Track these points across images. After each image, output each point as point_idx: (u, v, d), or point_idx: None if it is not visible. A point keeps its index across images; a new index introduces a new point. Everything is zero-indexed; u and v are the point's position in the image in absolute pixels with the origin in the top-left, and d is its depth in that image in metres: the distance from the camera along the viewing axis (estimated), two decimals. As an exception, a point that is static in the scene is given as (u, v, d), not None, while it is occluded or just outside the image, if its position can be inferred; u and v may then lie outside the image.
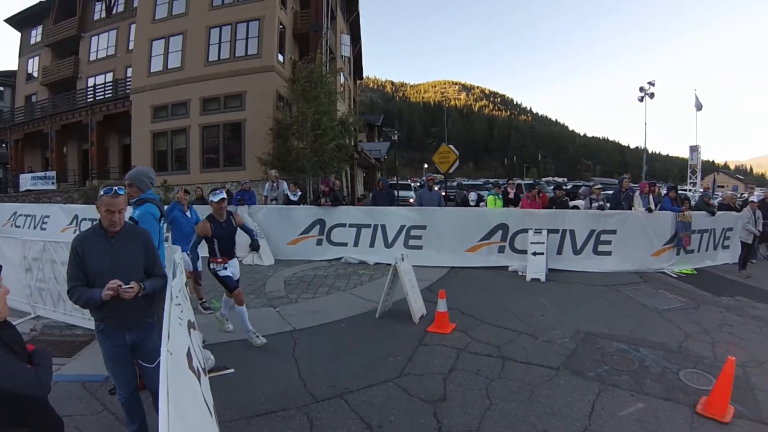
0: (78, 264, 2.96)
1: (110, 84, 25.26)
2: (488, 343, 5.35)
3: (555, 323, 6.12)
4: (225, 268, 5.48)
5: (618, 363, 4.95)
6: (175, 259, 4.07)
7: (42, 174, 25.35)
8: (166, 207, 6.11)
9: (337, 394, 4.13)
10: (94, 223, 3.16)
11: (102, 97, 24.91)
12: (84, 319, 5.41)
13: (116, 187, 3.00)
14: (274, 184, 11.30)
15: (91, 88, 25.55)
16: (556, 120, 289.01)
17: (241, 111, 21.46)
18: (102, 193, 2.97)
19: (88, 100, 25.01)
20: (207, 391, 3.13)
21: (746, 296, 7.99)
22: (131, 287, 2.89)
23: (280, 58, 22.33)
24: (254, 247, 5.98)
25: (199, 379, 3.03)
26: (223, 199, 5.39)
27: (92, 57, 26.60)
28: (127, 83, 23.88)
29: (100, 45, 26.36)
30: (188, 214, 7.23)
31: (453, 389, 4.23)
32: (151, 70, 22.69)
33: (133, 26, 23.98)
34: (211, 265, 5.48)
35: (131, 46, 24.13)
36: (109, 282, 2.83)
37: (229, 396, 4.03)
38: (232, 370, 4.58)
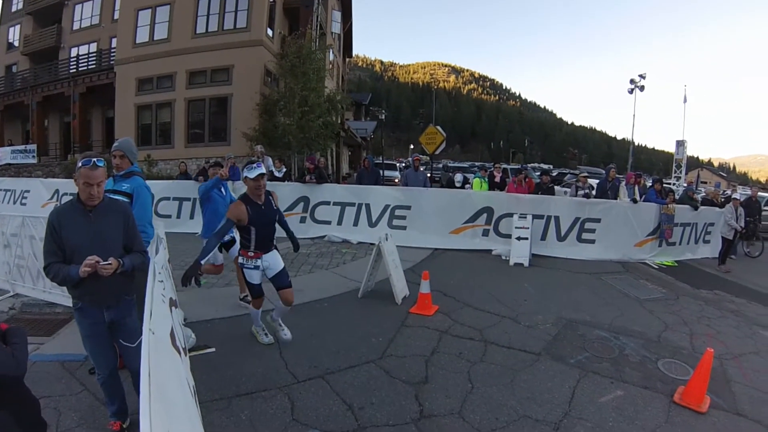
0: (55, 239, 2.83)
1: (94, 54, 24.43)
2: (471, 327, 5.34)
3: (537, 309, 6.13)
4: (256, 267, 4.44)
5: (598, 350, 4.98)
6: (159, 234, 3.97)
7: (22, 147, 24.48)
8: (204, 184, 6.09)
9: (319, 374, 4.10)
10: (72, 197, 3.00)
11: (85, 68, 24.12)
12: (64, 297, 5.20)
13: (95, 159, 2.85)
14: (260, 160, 11.08)
15: (74, 59, 24.71)
16: (544, 107, 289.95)
17: (228, 85, 21.06)
18: (80, 164, 2.82)
19: (71, 71, 24.24)
20: (187, 370, 3.05)
21: (725, 291, 8.11)
22: (109, 263, 2.78)
23: (269, 32, 21.89)
24: (296, 248, 5.23)
25: (182, 358, 2.96)
26: (262, 174, 4.29)
27: (75, 26, 25.63)
28: (112, 54, 23.10)
29: (84, 13, 25.36)
30: (223, 191, 5.96)
31: (435, 372, 4.22)
32: (137, 41, 22.03)
33: (119, -5, 23.24)
34: (240, 259, 4.53)
35: (116, 16, 23.23)
36: (87, 258, 2.72)
37: (210, 375, 3.97)
38: (213, 349, 4.52)
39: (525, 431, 3.41)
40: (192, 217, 10.51)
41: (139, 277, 3.07)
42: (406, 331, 5.18)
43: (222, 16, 21.20)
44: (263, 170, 4.33)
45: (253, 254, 4.40)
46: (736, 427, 3.69)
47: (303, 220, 10.21)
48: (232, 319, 5.38)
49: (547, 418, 3.57)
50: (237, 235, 4.87)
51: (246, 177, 4.27)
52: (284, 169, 11.23)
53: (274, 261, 4.57)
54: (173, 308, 3.51)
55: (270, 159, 11.35)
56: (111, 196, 3.38)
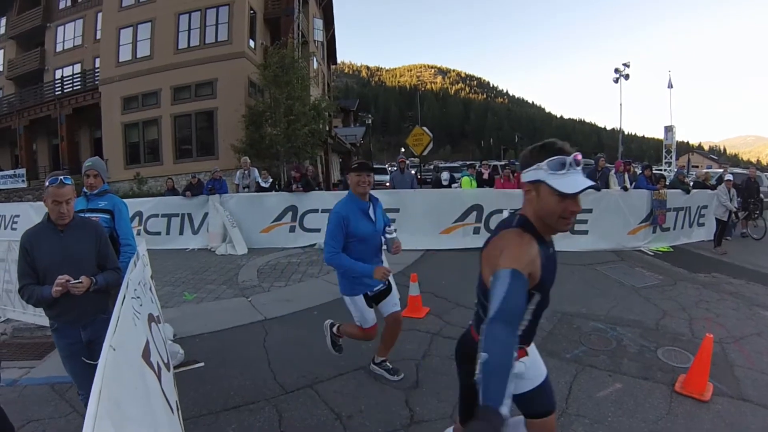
0: (27, 261, 2.80)
1: (78, 75, 24.48)
2: (463, 327, 5.08)
3: (530, 304, 5.99)
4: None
5: (595, 343, 4.87)
6: (140, 251, 3.88)
7: (11, 172, 24.39)
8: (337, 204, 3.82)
9: (307, 384, 3.99)
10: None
11: (70, 89, 24.17)
12: (53, 320, 5.17)
13: (62, 177, 2.85)
14: (246, 172, 11.09)
15: (59, 81, 24.75)
16: (533, 102, 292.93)
17: (213, 99, 21.14)
18: (47, 184, 2.82)
19: (56, 93, 24.28)
20: (169, 387, 2.95)
21: (722, 273, 8.04)
22: (80, 282, 2.73)
23: (251, 43, 21.98)
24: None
25: (159, 374, 2.85)
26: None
27: (59, 48, 25.70)
28: (96, 74, 23.19)
29: (67, 35, 25.44)
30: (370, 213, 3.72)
31: (426, 375, 4.11)
32: (120, 60, 22.11)
33: (99, 14, 23.21)
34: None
35: (98, 35, 23.33)
36: (57, 278, 2.68)
37: (199, 390, 3.88)
38: (202, 364, 4.43)
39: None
40: (181, 233, 10.46)
41: (116, 294, 3.02)
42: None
43: (203, 30, 21.26)
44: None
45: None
46: (741, 414, 3.57)
47: (292, 229, 10.12)
48: (221, 332, 5.28)
49: (542, 417, 3.47)
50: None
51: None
52: (270, 180, 11.17)
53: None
54: (153, 324, 3.41)
55: (256, 170, 11.28)
56: (88, 215, 3.44)
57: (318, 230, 9.97)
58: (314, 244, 9.85)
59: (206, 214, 10.20)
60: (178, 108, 21.46)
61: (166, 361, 3.41)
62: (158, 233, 10.42)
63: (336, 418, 3.47)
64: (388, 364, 4.12)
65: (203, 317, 5.71)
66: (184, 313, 5.87)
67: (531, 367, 2.55)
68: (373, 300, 3.81)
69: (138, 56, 21.81)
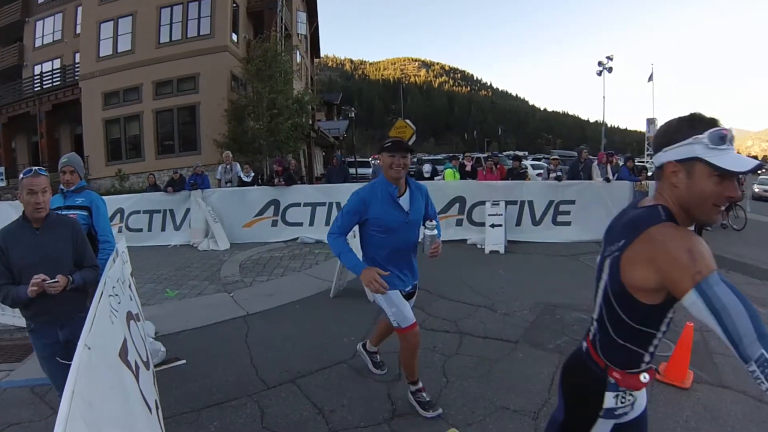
0: (2, 261, 2.72)
1: (58, 71, 24.02)
2: (445, 319, 5.22)
3: (514, 295, 6.03)
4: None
5: (578, 333, 4.86)
6: (119, 248, 3.81)
7: (-10, 171, 24.02)
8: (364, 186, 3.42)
9: (290, 379, 3.94)
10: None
11: (50, 85, 23.77)
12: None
13: (36, 168, 2.80)
14: (228, 166, 10.98)
15: (38, 77, 24.29)
16: (516, 95, 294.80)
17: (195, 94, 20.92)
18: (21, 176, 2.76)
19: (36, 89, 23.83)
20: (148, 386, 2.90)
21: (702, 262, 8.11)
22: (56, 281, 2.67)
23: (234, 37, 21.75)
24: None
25: (137, 373, 2.81)
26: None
27: (38, 43, 25.20)
28: (76, 69, 22.79)
29: (46, 30, 24.94)
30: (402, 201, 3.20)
31: None
32: (100, 55, 21.76)
33: (79, 9, 22.75)
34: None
35: (79, 30, 22.91)
36: (33, 277, 2.61)
37: (181, 388, 3.82)
38: (183, 361, 4.35)
39: (502, 423, 3.28)
40: (163, 229, 10.32)
41: (94, 293, 2.96)
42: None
43: (185, 24, 21.00)
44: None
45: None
46: (721, 400, 3.61)
47: (275, 223, 10.06)
48: (203, 329, 5.20)
49: (525, 408, 3.46)
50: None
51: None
52: (252, 174, 11.07)
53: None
54: (132, 322, 3.36)
55: (238, 165, 11.18)
56: (66, 212, 3.36)
57: (300, 224, 9.99)
58: (296, 238, 9.83)
59: (188, 210, 10.09)
60: (159, 103, 21.22)
61: (145, 359, 3.36)
62: (140, 230, 10.28)
63: (318, 413, 3.44)
64: (378, 356, 4.02)
65: (185, 314, 5.63)
66: (165, 310, 5.80)
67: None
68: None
69: (119, 51, 21.49)
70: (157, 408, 2.79)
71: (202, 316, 5.51)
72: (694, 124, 1.42)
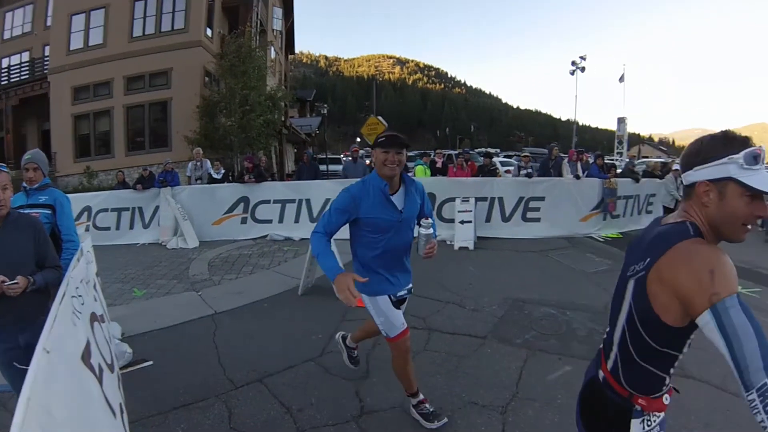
0: None
1: (26, 64, 23.23)
2: (413, 315, 5.19)
3: (483, 291, 6.08)
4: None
5: (546, 327, 4.97)
6: (84, 247, 3.73)
7: (-47, 168, 23.13)
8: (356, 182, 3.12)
9: (257, 378, 3.91)
10: None
11: (18, 78, 22.93)
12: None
13: None
14: (198, 163, 10.84)
15: (5, 70, 23.46)
16: (490, 93, 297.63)
17: (167, 89, 20.55)
18: None
19: (2, 82, 22.99)
20: (112, 389, 2.84)
21: (668, 257, 8.32)
22: (16, 282, 2.56)
23: (208, 32, 21.41)
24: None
25: (100, 377, 2.75)
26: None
27: (6, 35, 24.31)
28: (45, 63, 22.06)
29: (15, 21, 24.09)
30: (395, 198, 2.99)
31: (376, 365, 4.09)
32: (71, 48, 21.09)
33: (51, 0, 22.10)
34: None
35: (49, 22, 22.19)
36: None
37: (147, 390, 3.75)
38: (150, 362, 4.27)
39: (471, 418, 3.32)
40: (132, 227, 10.12)
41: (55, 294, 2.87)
42: (346, 325, 5.00)
43: (159, 17, 20.60)
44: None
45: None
46: (684, 390, 3.63)
47: (244, 221, 9.98)
48: (171, 328, 5.12)
49: (494, 403, 3.49)
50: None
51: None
52: (223, 171, 10.95)
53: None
54: (96, 324, 3.28)
55: (208, 162, 11.04)
56: (29, 211, 3.25)
57: (270, 221, 9.94)
58: (266, 236, 9.78)
59: (157, 208, 9.92)
60: (131, 98, 20.76)
61: (110, 362, 3.28)
62: (108, 228, 10.07)
63: (286, 412, 3.41)
64: (356, 352, 3.84)
65: (153, 314, 5.53)
66: (133, 310, 5.70)
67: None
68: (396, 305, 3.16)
69: (90, 44, 20.89)
70: (121, 412, 2.73)
71: (170, 316, 5.42)
72: (727, 144, 1.39)
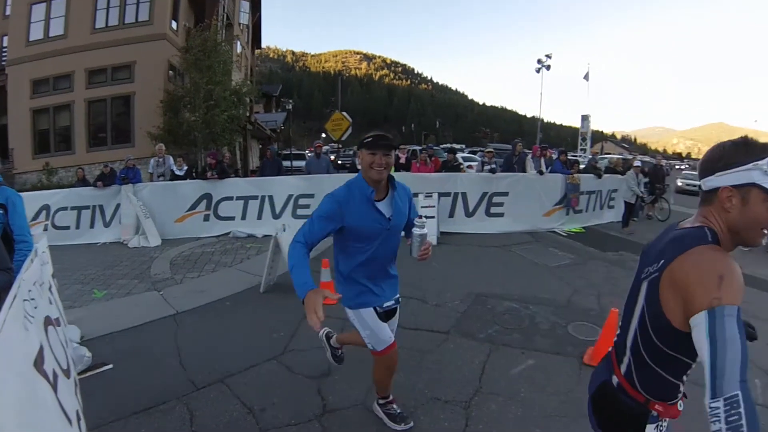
0: None
1: (-17, 55, 22.36)
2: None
3: (446, 287, 6.12)
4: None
5: (509, 322, 5.03)
6: (38, 248, 3.62)
7: None
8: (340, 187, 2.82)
9: (219, 378, 3.86)
10: None
11: (-27, 71, 22.02)
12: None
13: None
14: (160, 159, 10.60)
15: (-40, 62, 22.51)
16: (456, 89, 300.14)
17: (130, 83, 19.96)
18: None
19: (-43, 75, 22.07)
20: (69, 396, 2.76)
21: (629, 251, 8.57)
22: None
23: (174, 25, 20.91)
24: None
25: (55, 383, 2.67)
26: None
27: (-39, 25, 23.37)
28: (3, 54, 21.20)
29: (-29, 11, 23.15)
30: (382, 205, 2.79)
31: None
32: (30, 39, 20.21)
33: (11, -12, 21.20)
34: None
35: (8, 12, 21.24)
36: None
37: (107, 395, 3.66)
38: (110, 366, 4.17)
39: (434, 414, 3.34)
40: (92, 226, 9.86)
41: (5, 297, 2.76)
42: (308, 323, 5.02)
43: (123, 9, 19.96)
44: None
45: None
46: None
47: (207, 218, 9.83)
48: (131, 330, 5.00)
49: (457, 398, 3.53)
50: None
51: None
52: (186, 167, 10.76)
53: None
54: (51, 328, 3.19)
55: (171, 158, 10.82)
56: None
57: (232, 218, 9.82)
58: (229, 233, 9.67)
59: (119, 206, 9.69)
60: (92, 92, 20.10)
61: (65, 367, 3.19)
62: (67, 227, 9.79)
63: (248, 412, 3.39)
64: (340, 351, 3.67)
65: (113, 315, 5.41)
66: (92, 312, 5.55)
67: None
68: (382, 317, 2.98)
69: (51, 35, 20.06)
70: (78, 419, 2.66)
71: (131, 317, 5.31)
72: (749, 150, 1.40)
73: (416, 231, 2.68)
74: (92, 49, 19.72)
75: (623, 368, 1.62)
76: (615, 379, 1.65)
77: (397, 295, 3.09)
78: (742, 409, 1.10)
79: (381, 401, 3.28)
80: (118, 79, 20.09)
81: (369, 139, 2.59)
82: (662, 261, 1.44)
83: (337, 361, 3.66)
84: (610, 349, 1.79)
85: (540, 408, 3.44)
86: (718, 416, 1.12)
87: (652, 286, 1.45)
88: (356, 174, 2.74)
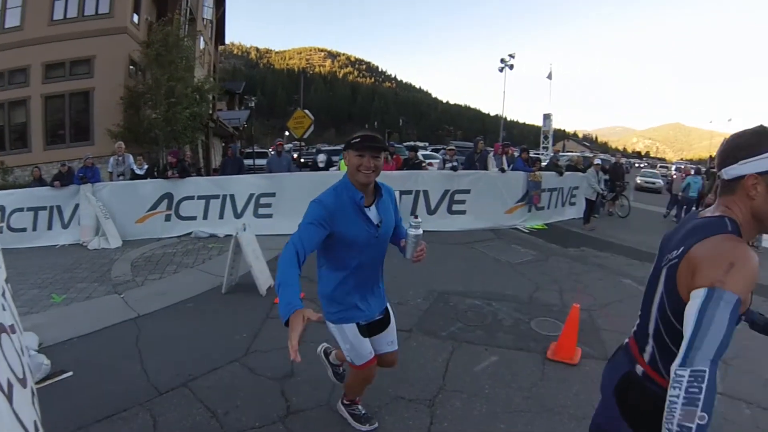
0: None
1: (-69, 49, 21.31)
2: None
3: (408, 284, 6.14)
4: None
5: (471, 319, 5.11)
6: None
7: None
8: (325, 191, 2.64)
9: (182, 382, 3.82)
10: None
11: None
12: None
13: None
14: (120, 158, 10.36)
15: None
16: (420, 87, 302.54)
17: (90, 78, 19.33)
18: None
19: None
20: (26, 406, 2.69)
21: (590, 247, 8.81)
22: None
23: (135, 18, 20.34)
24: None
25: (9, 394, 2.60)
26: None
27: None
28: (-45, 46, 20.36)
29: None
30: (370, 212, 2.63)
31: (301, 364, 3.92)
32: (-17, 31, 19.54)
33: (-37, -24, 20.25)
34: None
35: (-40, 1, 20.43)
36: None
37: (67, 403, 3.57)
38: (70, 373, 4.06)
39: (398, 413, 3.37)
40: (50, 227, 9.56)
41: None
42: (270, 323, 5.02)
43: (82, 0, 19.30)
44: None
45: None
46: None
47: (168, 218, 9.65)
48: (92, 335, 4.88)
49: (420, 396, 3.57)
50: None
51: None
52: (146, 166, 10.56)
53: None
54: (5, 336, 3.09)
55: (131, 156, 10.58)
56: None
57: (194, 218, 9.69)
58: (190, 233, 9.54)
59: (77, 206, 9.43)
60: (50, 88, 19.36)
61: (21, 376, 3.11)
62: (24, 229, 9.49)
63: (212, 416, 3.36)
64: (341, 368, 3.41)
65: (72, 320, 5.26)
66: (51, 317, 5.38)
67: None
68: (368, 331, 2.84)
69: (6, 26, 19.22)
70: (36, 430, 2.61)
71: (91, 322, 5.18)
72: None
73: (412, 232, 2.52)
74: (50, 42, 18.96)
75: (646, 356, 1.62)
76: (639, 369, 1.65)
77: (385, 306, 2.93)
78: (704, 385, 1.17)
79: (346, 402, 3.28)
80: (76, 74, 19.46)
81: (356, 140, 2.42)
82: (682, 248, 1.47)
83: (339, 379, 3.42)
84: (626, 340, 1.80)
85: (504, 404, 3.51)
86: (680, 384, 1.20)
87: (671, 272, 1.48)
88: (342, 176, 2.58)
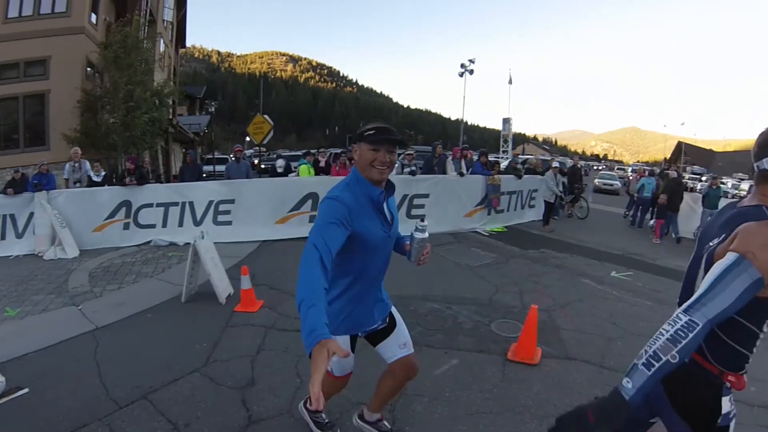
0: None
1: None
2: (297, 318, 5.13)
3: (367, 289, 6.18)
4: None
5: (431, 323, 5.19)
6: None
7: None
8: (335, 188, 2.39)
9: (142, 395, 3.77)
10: None
11: None
12: None
13: None
14: (76, 165, 10.10)
15: None
16: (381, 92, 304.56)
17: (45, 80, 18.63)
18: None
19: None
20: None
21: (549, 248, 9.06)
22: None
23: (93, 18, 19.74)
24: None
25: None
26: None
27: None
28: None
29: None
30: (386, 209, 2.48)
31: (261, 372, 4.09)
32: (-69, 27, 18.67)
33: None
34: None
35: None
36: None
37: (24, 421, 3.49)
38: (26, 390, 3.95)
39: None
40: (3, 237, 9.20)
41: None
42: (230, 331, 5.01)
43: (38, -3, 18.65)
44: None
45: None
46: (567, 370, 4.11)
47: (126, 226, 9.43)
48: (48, 349, 4.75)
49: (381, 402, 3.63)
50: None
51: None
52: (103, 173, 10.35)
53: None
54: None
55: (87, 163, 10.34)
56: None
57: (153, 226, 9.51)
58: (150, 241, 9.37)
59: (32, 214, 9.12)
60: (3, 89, 18.49)
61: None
62: (-27, 240, 9.13)
63: (173, 429, 3.34)
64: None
65: (28, 334, 5.11)
66: (5, 332, 5.22)
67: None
68: (369, 341, 2.71)
69: None
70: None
71: (47, 335, 5.04)
72: None
73: (418, 235, 2.37)
74: (3, 41, 18.30)
75: None
76: None
77: (388, 312, 2.72)
78: (691, 335, 1.33)
79: (311, 408, 3.18)
80: (31, 75, 18.78)
81: (371, 132, 2.18)
82: (723, 235, 1.56)
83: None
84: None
85: (465, 406, 3.59)
86: (676, 323, 1.36)
87: (712, 257, 1.55)
88: (351, 173, 2.35)
